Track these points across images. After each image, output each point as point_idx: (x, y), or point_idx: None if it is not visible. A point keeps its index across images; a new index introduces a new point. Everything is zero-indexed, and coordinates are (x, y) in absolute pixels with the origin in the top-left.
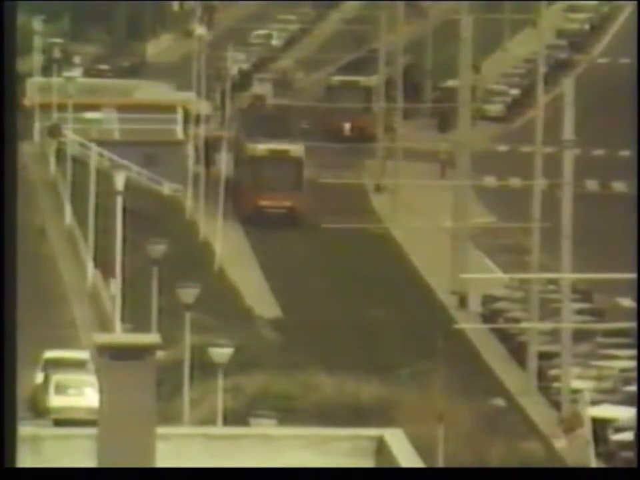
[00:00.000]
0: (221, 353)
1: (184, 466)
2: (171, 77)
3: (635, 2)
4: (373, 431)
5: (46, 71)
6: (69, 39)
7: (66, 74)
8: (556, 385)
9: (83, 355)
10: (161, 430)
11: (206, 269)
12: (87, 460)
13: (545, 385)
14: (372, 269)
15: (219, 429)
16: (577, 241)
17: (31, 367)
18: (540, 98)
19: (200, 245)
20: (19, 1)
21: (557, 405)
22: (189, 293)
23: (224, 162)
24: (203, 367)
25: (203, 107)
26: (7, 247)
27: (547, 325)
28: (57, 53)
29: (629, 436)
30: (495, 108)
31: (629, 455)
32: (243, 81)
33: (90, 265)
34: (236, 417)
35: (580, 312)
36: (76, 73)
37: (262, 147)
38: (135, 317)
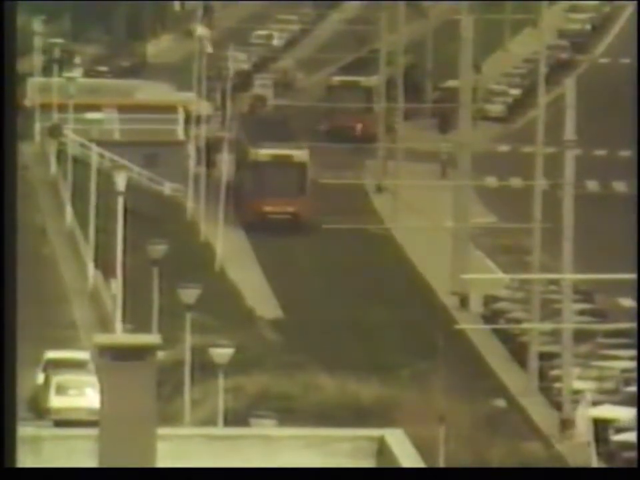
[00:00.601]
0: (222, 353)
1: (184, 466)
2: (172, 77)
3: (636, 2)
4: (374, 432)
5: (46, 71)
6: (70, 39)
7: (66, 74)
8: (557, 385)
9: (83, 355)
10: (161, 430)
11: (207, 269)
12: (87, 461)
13: (546, 386)
14: (372, 270)
15: (220, 430)
16: (577, 241)
17: (31, 368)
18: (541, 98)
19: (201, 245)
20: (19, 1)
21: (557, 406)
22: (189, 294)
23: (225, 163)
24: (204, 368)
25: (204, 107)
26: (7, 247)
27: (548, 326)
28: (57, 53)
29: (630, 436)
30: (496, 108)
31: (630, 455)
32: (244, 81)
33: (91, 265)
34: (236, 418)
35: (581, 312)
36: (76, 73)
37: (265, 152)
38: (136, 318)
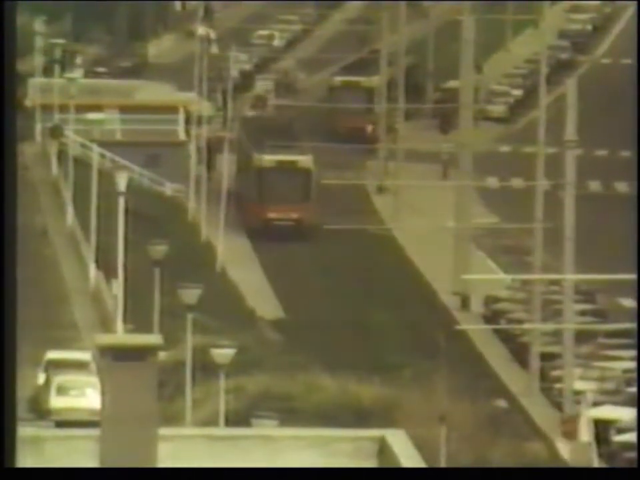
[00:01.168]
0: (223, 353)
1: (185, 467)
2: (173, 77)
3: (636, 2)
4: (375, 432)
5: (47, 71)
6: (71, 40)
7: (68, 75)
8: (558, 386)
9: (84, 355)
10: (163, 431)
11: (208, 269)
12: (88, 461)
13: (547, 386)
14: (374, 270)
15: (221, 430)
16: (579, 241)
17: (32, 368)
18: (542, 98)
19: (202, 245)
20: (19, 1)
21: (559, 406)
22: (190, 294)
23: (226, 163)
24: (205, 368)
25: (205, 108)
26: (7, 248)
27: (550, 326)
28: (58, 54)
29: (631, 437)
30: (497, 108)
31: (632, 455)
32: (245, 81)
33: (92, 265)
34: (238, 418)
35: (582, 313)
36: (78, 73)
37: (269, 158)
38: (137, 318)
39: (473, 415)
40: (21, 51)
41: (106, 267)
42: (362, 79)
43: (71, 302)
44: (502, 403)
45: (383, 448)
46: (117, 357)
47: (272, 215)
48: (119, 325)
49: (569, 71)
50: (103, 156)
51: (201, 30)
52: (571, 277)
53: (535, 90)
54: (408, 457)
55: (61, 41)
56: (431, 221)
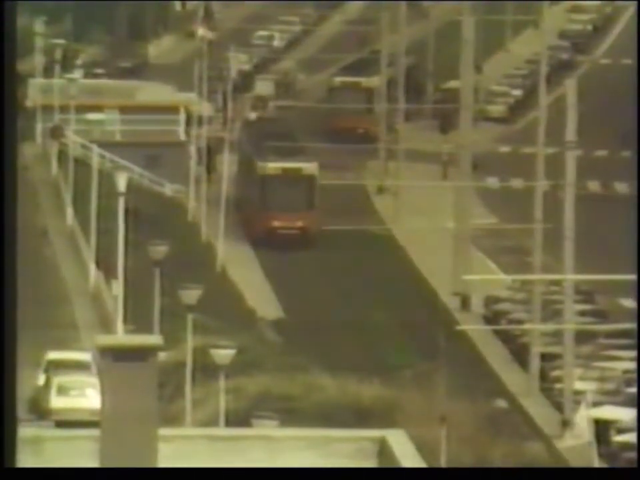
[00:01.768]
0: (223, 354)
1: (186, 467)
2: (173, 78)
3: (637, 2)
4: (375, 432)
5: (48, 72)
6: (71, 40)
7: (68, 75)
8: (558, 386)
9: (84, 356)
10: (163, 431)
11: (208, 270)
12: (88, 461)
13: (547, 386)
14: (374, 270)
15: (221, 430)
16: (579, 242)
17: (33, 368)
18: (542, 99)
19: (202, 246)
20: (19, 1)
21: (559, 406)
22: (190, 294)
23: (226, 164)
24: (205, 369)
25: (205, 108)
26: (7, 248)
27: (550, 326)
28: (58, 54)
29: (631, 437)
30: (497, 109)
31: (632, 455)
32: (245, 82)
33: (92, 266)
34: (238, 418)
35: (582, 313)
36: (78, 74)
37: (273, 166)
38: (137, 318)
39: (473, 415)
40: (21, 51)
41: (106, 267)
42: (362, 80)
43: (71, 302)
44: (502, 403)
45: (383, 448)
46: (117, 357)
47: (276, 224)
48: (119, 325)
49: (569, 72)
50: (103, 156)
51: (201, 30)
52: (570, 277)
53: (535, 90)
54: (408, 457)
55: (61, 41)
56: (431, 221)
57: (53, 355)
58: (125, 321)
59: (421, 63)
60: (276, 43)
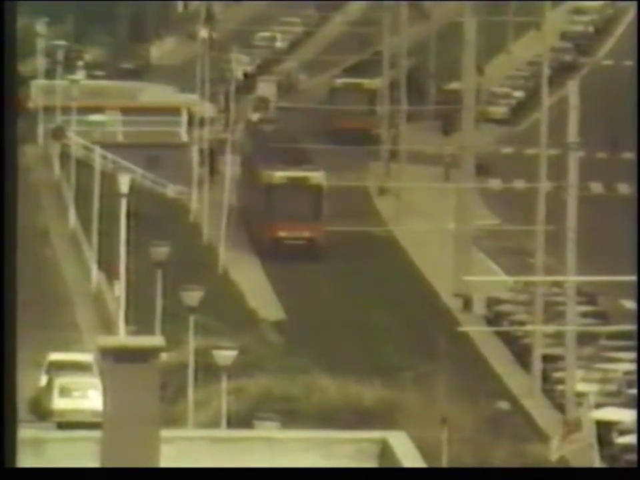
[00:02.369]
0: (225, 355)
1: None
2: (175, 79)
3: (637, 3)
4: (376, 434)
5: (50, 73)
6: (73, 42)
7: (70, 76)
8: (560, 387)
9: (86, 357)
10: (165, 432)
11: (210, 271)
12: (90, 463)
13: (549, 388)
14: (375, 272)
15: (223, 432)
16: (581, 243)
17: (34, 370)
18: (544, 100)
19: (204, 247)
20: (19, 1)
21: (561, 408)
22: (192, 296)
23: (228, 165)
24: (207, 370)
25: (207, 109)
26: (8, 249)
27: (552, 328)
28: (60, 56)
29: (633, 439)
30: (499, 110)
31: (633, 457)
32: (247, 83)
33: (94, 267)
34: (240, 420)
35: (584, 314)
36: (80, 75)
37: (280, 175)
38: (139, 320)
39: (475, 416)
40: (23, 52)
41: (108, 268)
42: (364, 81)
43: (73, 303)
44: (504, 405)
45: (385, 450)
46: (119, 358)
47: (282, 234)
48: (121, 326)
49: (571, 73)
50: (105, 157)
51: (202, 32)
52: (572, 278)
53: (537, 92)
54: (409, 458)
55: (63, 42)
56: (433, 222)
57: (55, 356)
58: (127, 322)
59: (422, 65)
60: (278, 44)
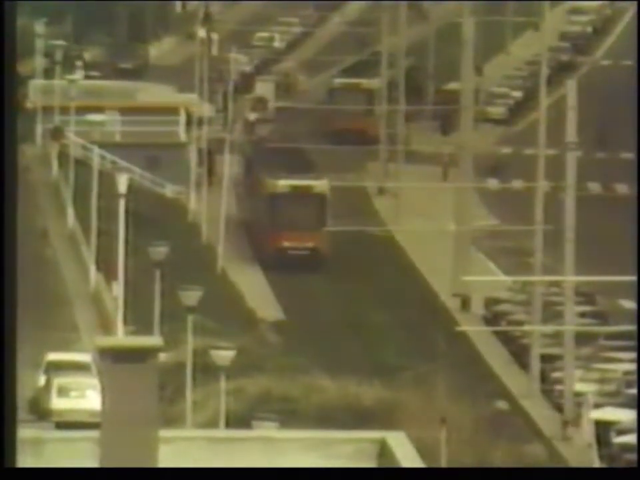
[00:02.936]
0: (223, 355)
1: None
2: (174, 79)
3: (636, 3)
4: (375, 434)
5: (48, 73)
6: (72, 42)
7: (68, 76)
8: (559, 387)
9: (85, 357)
10: (163, 433)
11: (208, 271)
12: (89, 463)
13: (548, 388)
14: (374, 272)
15: (222, 432)
16: (579, 243)
17: (33, 370)
18: (542, 100)
19: (202, 247)
20: (19, 1)
21: (559, 408)
22: (191, 296)
23: (227, 165)
24: (205, 370)
25: (206, 109)
26: (7, 249)
27: (550, 328)
28: (59, 56)
29: (631, 438)
30: (498, 110)
31: (632, 457)
32: (245, 83)
33: (92, 267)
34: (238, 420)
35: (583, 314)
36: (78, 75)
37: (283, 183)
38: (138, 320)
39: (474, 416)
40: (22, 52)
41: (106, 268)
42: (362, 81)
43: (71, 303)
44: (502, 405)
45: (383, 450)
46: (117, 358)
47: (286, 244)
48: (120, 326)
49: (569, 73)
50: (103, 157)
51: (201, 32)
52: (571, 278)
53: (535, 92)
54: (408, 458)
55: (61, 42)
56: (431, 222)
57: (53, 356)
58: (125, 322)
59: (421, 65)
60: (276, 44)
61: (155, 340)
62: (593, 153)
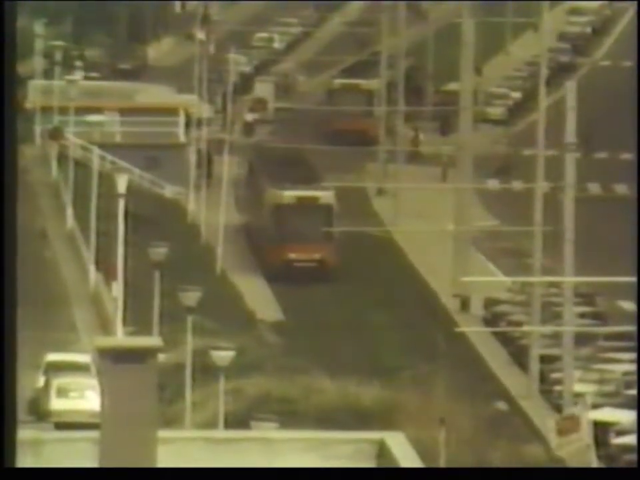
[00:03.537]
0: (223, 356)
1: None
2: (173, 79)
3: (636, 3)
4: (374, 434)
5: (48, 73)
6: (71, 42)
7: (68, 77)
8: (558, 388)
9: (84, 358)
10: (162, 433)
11: (208, 272)
12: (88, 463)
13: (547, 389)
14: (373, 272)
15: (221, 432)
16: (579, 244)
17: (32, 370)
18: (542, 101)
19: (202, 248)
20: (19, 1)
21: (558, 409)
22: (190, 296)
23: (226, 166)
24: (205, 370)
25: (205, 110)
26: (7, 250)
27: (549, 328)
28: (58, 56)
29: (630, 439)
30: (497, 111)
31: (631, 458)
32: (245, 84)
33: (92, 268)
34: (237, 420)
35: (582, 315)
36: (78, 75)
37: (289, 194)
38: (137, 320)
39: (473, 417)
40: (21, 53)
41: (106, 269)
42: (362, 82)
43: (71, 304)
44: (502, 406)
45: (382, 450)
46: (116, 359)
47: (292, 256)
48: (119, 327)
49: (568, 74)
50: (102, 158)
51: (200, 32)
52: (570, 279)
53: (535, 92)
54: (407, 459)
55: (61, 43)
56: (430, 223)
57: (53, 356)
58: (125, 322)
59: (420, 65)
60: (275, 44)
61: (154, 340)
62: (590, 154)
